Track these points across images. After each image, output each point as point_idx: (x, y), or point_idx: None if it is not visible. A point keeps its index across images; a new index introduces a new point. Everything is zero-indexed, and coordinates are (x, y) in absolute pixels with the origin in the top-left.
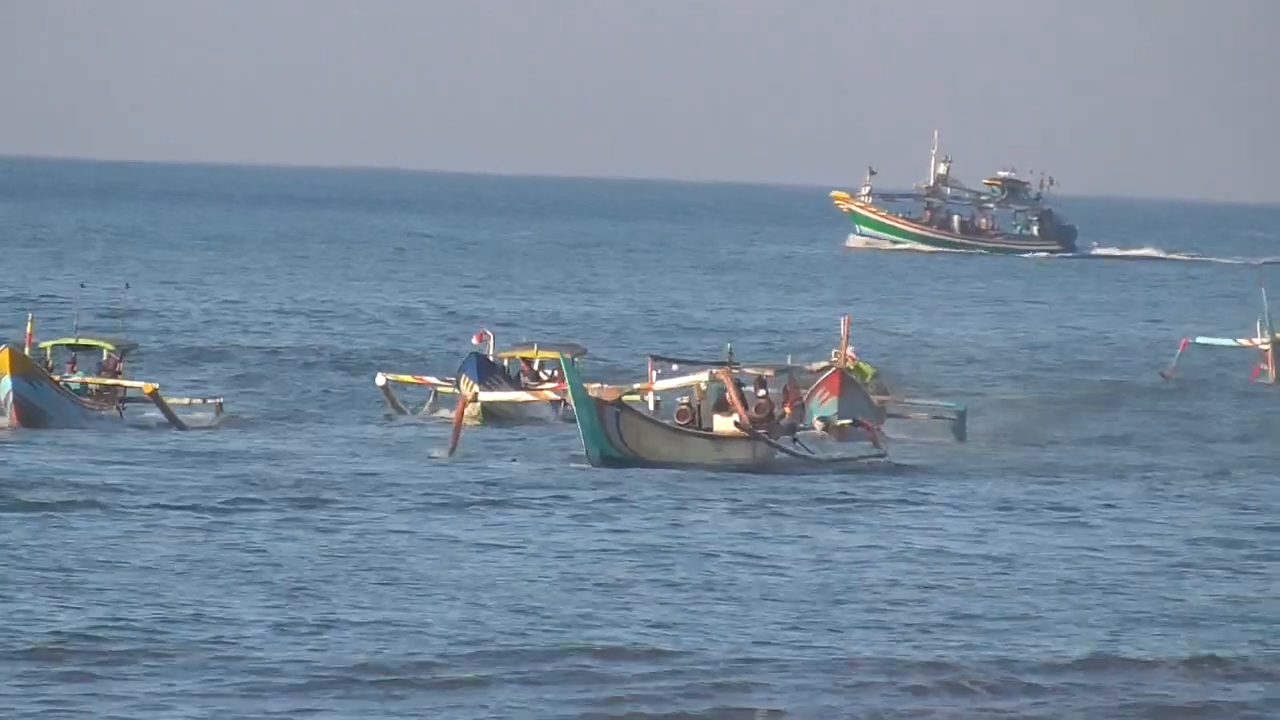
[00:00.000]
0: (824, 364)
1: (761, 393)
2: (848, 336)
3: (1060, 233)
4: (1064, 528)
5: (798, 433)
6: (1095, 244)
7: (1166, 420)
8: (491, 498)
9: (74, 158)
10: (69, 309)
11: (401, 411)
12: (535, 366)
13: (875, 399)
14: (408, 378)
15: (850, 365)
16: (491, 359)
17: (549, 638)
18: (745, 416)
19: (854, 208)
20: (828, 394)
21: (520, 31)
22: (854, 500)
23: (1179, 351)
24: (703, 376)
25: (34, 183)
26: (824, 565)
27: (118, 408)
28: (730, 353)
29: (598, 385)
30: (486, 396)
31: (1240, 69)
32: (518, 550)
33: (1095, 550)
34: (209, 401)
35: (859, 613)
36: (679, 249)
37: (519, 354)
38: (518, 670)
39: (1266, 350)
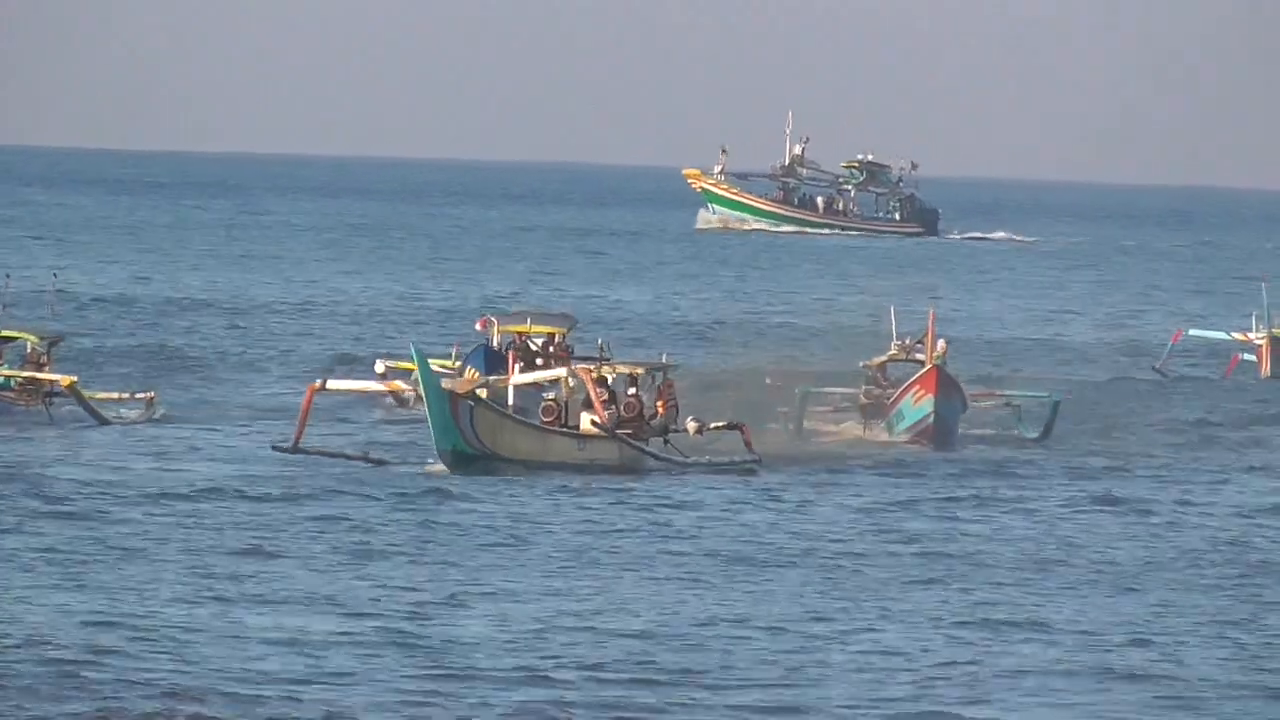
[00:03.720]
0: (882, 359)
1: (631, 391)
2: (933, 331)
3: (922, 216)
4: None
5: (669, 434)
6: (956, 230)
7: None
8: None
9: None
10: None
11: (405, 403)
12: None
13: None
14: (409, 365)
15: (943, 360)
16: (498, 347)
17: None
18: (604, 416)
19: (706, 185)
20: (923, 392)
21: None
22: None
23: (1171, 344)
24: (562, 372)
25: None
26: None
27: (44, 403)
28: (602, 348)
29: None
30: (334, 384)
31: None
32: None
33: None
34: (138, 396)
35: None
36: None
37: (512, 327)
38: None
39: (1261, 345)
